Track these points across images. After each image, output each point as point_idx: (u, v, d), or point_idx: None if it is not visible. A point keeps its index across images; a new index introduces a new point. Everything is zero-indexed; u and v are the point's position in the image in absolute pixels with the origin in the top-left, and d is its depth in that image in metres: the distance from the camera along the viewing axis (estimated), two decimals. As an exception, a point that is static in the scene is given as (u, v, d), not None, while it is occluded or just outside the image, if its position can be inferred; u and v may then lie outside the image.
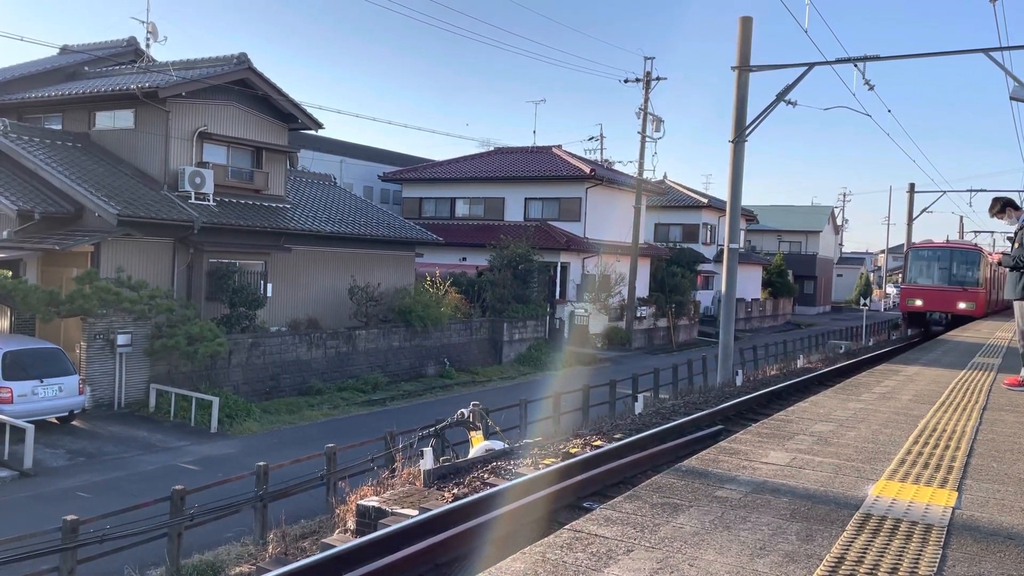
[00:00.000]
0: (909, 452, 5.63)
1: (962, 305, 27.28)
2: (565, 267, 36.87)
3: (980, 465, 5.37)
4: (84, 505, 12.08)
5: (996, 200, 9.40)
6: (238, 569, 9.63)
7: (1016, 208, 9.20)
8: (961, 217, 56.18)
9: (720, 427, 11.39)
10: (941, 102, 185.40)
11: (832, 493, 4.51)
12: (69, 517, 9.29)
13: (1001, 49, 15.92)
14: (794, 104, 18.97)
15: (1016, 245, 8.78)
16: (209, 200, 22.45)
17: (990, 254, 36.04)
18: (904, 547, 3.68)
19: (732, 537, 3.69)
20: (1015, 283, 8.92)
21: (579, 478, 8.43)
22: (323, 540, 8.30)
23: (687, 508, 4.10)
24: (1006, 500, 4.55)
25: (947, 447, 5.86)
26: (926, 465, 5.27)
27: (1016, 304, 9.13)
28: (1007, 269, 9.15)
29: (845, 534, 3.81)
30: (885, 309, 70.69)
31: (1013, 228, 9.05)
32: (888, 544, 3.71)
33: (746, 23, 19.18)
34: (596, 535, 3.66)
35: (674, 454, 9.69)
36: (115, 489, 13.62)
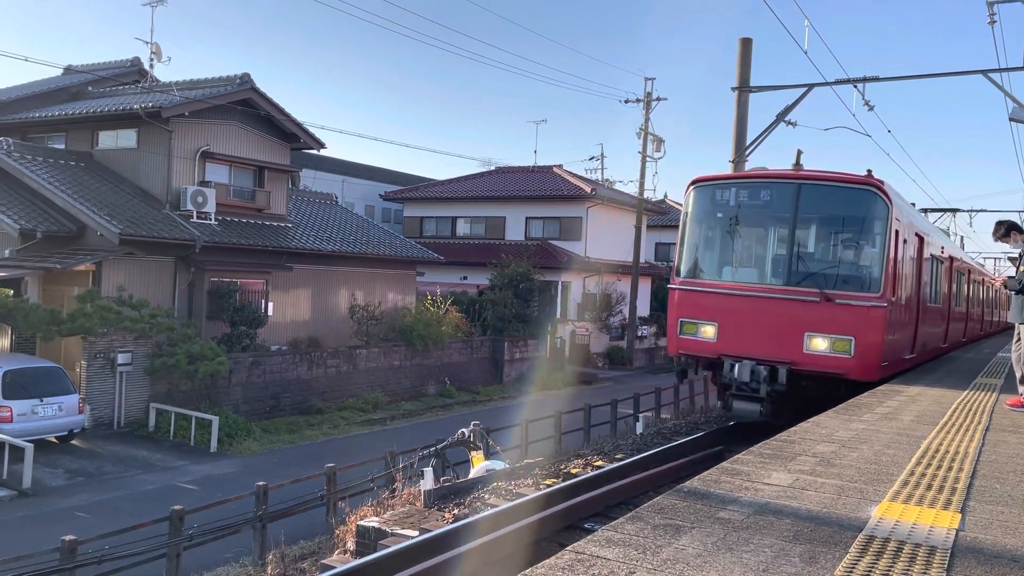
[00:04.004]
0: (912, 473, 5.60)
1: (820, 344, 10.50)
2: (566, 286, 36.88)
3: (983, 487, 5.34)
4: (83, 525, 12.02)
5: (1000, 223, 9.37)
6: (237, 590, 9.57)
7: (1020, 231, 9.16)
8: (961, 237, 56.08)
9: (721, 447, 11.36)
10: (941, 123, 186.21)
11: (835, 515, 4.48)
12: (67, 537, 9.24)
13: (1000, 71, 16.00)
14: (794, 124, 19.03)
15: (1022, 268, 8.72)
16: (211, 219, 22.51)
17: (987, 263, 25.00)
18: (908, 570, 3.66)
19: (735, 559, 3.67)
20: (1022, 307, 8.85)
21: (581, 498, 8.40)
22: (322, 561, 8.26)
23: (689, 529, 4.07)
24: (1010, 522, 4.52)
25: (950, 468, 5.84)
26: (929, 486, 5.24)
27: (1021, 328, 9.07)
28: (1013, 292, 9.09)
29: (848, 556, 3.79)
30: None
31: (1017, 251, 9.02)
32: (892, 566, 3.69)
33: (746, 44, 19.30)
34: (598, 557, 3.64)
35: (676, 475, 9.66)
36: (114, 509, 13.56)
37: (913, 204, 21.55)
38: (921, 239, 13.15)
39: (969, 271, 21.32)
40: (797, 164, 11.43)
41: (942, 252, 15.90)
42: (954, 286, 18.03)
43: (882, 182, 10.60)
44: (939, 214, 33.38)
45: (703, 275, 11.57)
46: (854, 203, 10.85)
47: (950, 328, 17.77)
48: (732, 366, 10.74)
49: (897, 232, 10.80)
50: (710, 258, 11.81)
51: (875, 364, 10.46)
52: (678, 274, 11.69)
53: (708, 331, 11.20)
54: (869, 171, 10.87)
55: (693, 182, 11.72)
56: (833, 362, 10.33)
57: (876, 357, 10.42)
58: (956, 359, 16.94)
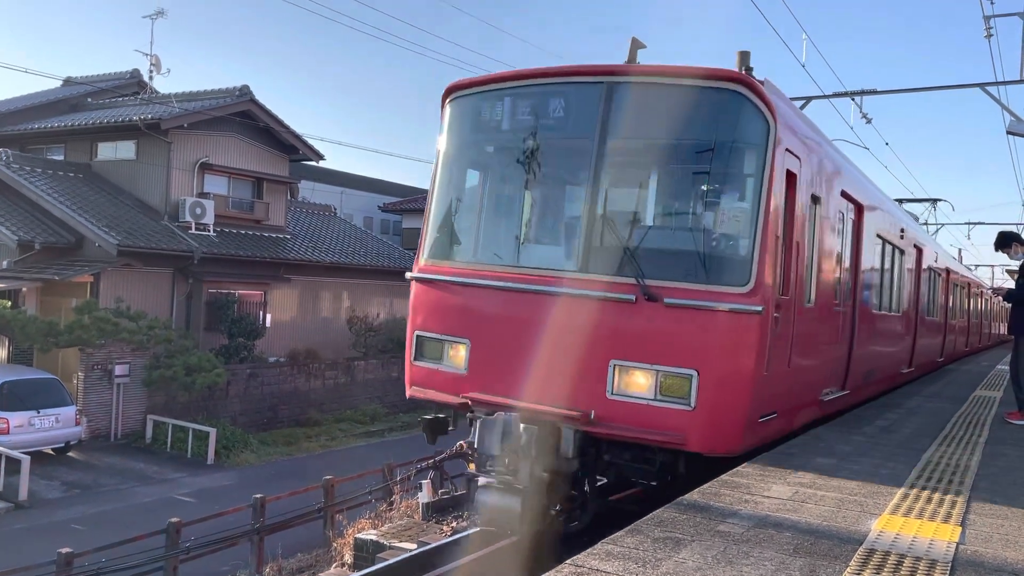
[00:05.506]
0: (912, 486, 5.59)
1: (637, 383, 5.88)
2: (564, 298, 36.79)
3: (984, 500, 5.33)
4: (79, 538, 11.96)
5: (1001, 234, 9.41)
6: (234, 603, 9.53)
7: (1022, 243, 9.19)
8: (960, 250, 56.22)
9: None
10: (939, 135, 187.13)
11: (835, 528, 4.47)
12: (64, 550, 9.20)
13: (997, 84, 16.04)
14: (792, 137, 18.95)
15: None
16: (209, 230, 22.52)
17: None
18: (909, 583, 3.64)
19: (735, 573, 3.65)
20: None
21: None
22: (320, 574, 8.23)
23: (689, 543, 4.06)
24: (1010, 535, 4.51)
25: (950, 481, 5.83)
26: (929, 500, 5.23)
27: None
28: (1009, 304, 9.10)
29: (849, 570, 3.77)
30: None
31: (1017, 263, 9.05)
32: (892, 580, 3.67)
33: (744, 57, 19.37)
34: (598, 570, 3.62)
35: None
36: (110, 521, 13.50)
37: (906, 209, 16.50)
38: (859, 208, 8.77)
39: (948, 271, 17.37)
40: (631, 61, 6.54)
41: (902, 237, 11.50)
42: (926, 287, 13.87)
43: (763, 82, 6.25)
44: (920, 206, 24.22)
45: (457, 255, 7.05)
46: (705, 118, 6.24)
47: (918, 345, 13.33)
48: (481, 429, 6.17)
49: (791, 175, 6.37)
50: (468, 226, 7.26)
51: (737, 422, 5.87)
52: (422, 256, 7.14)
53: (457, 356, 6.63)
54: (747, 68, 6.51)
55: (449, 91, 7.19)
56: (660, 418, 5.81)
57: (740, 408, 5.85)
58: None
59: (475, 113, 7.02)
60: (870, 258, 9.44)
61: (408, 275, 7.13)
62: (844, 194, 8.18)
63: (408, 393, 7.01)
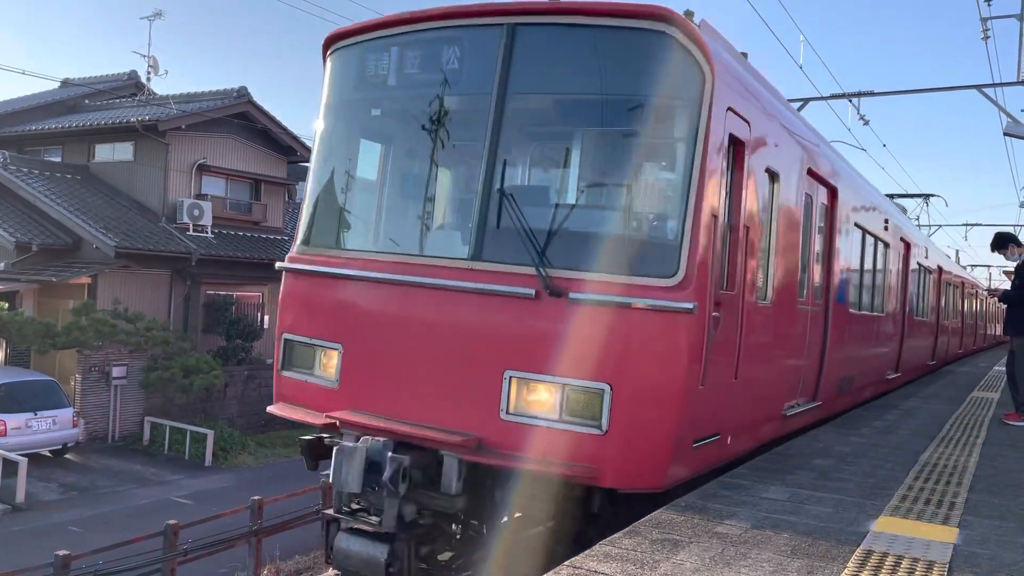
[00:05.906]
0: (910, 488, 5.59)
1: (537, 400, 4.76)
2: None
3: (981, 501, 5.33)
4: (76, 540, 11.94)
5: (999, 235, 9.43)
6: (231, 606, 9.52)
7: (1019, 244, 9.21)
8: (957, 251, 56.19)
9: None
10: (936, 137, 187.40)
11: (833, 529, 4.47)
12: (61, 552, 9.18)
13: (994, 85, 16.06)
14: (789, 138, 18.92)
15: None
16: (207, 232, 22.51)
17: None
18: (907, 585, 3.64)
19: (733, 574, 3.65)
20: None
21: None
22: (318, 576, 8.21)
23: (687, 544, 4.05)
24: (1007, 536, 4.51)
25: (948, 482, 5.83)
26: (927, 501, 5.23)
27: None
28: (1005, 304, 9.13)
29: (847, 571, 3.77)
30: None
31: (1013, 263, 9.07)
32: (890, 581, 3.67)
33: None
34: (596, 572, 3.62)
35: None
36: (108, 523, 13.48)
37: (901, 208, 15.38)
38: (832, 191, 7.70)
39: (940, 269, 16.46)
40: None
41: (887, 229, 10.50)
42: (915, 286, 13.01)
43: (699, 25, 4.93)
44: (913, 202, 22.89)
45: (331, 242, 6.05)
46: (624, 66, 5.06)
47: (906, 347, 12.35)
48: (334, 453, 5.04)
49: (737, 142, 5.28)
50: (346, 206, 6.12)
51: (661, 448, 4.74)
52: (296, 243, 6.18)
53: (328, 365, 5.57)
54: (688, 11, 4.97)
55: (329, 41, 6.02)
56: (566, 445, 4.73)
57: (665, 431, 4.72)
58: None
59: (358, 68, 5.84)
60: (847, 251, 8.36)
61: (278, 265, 6.12)
62: (812, 173, 7.02)
63: (273, 409, 5.87)
